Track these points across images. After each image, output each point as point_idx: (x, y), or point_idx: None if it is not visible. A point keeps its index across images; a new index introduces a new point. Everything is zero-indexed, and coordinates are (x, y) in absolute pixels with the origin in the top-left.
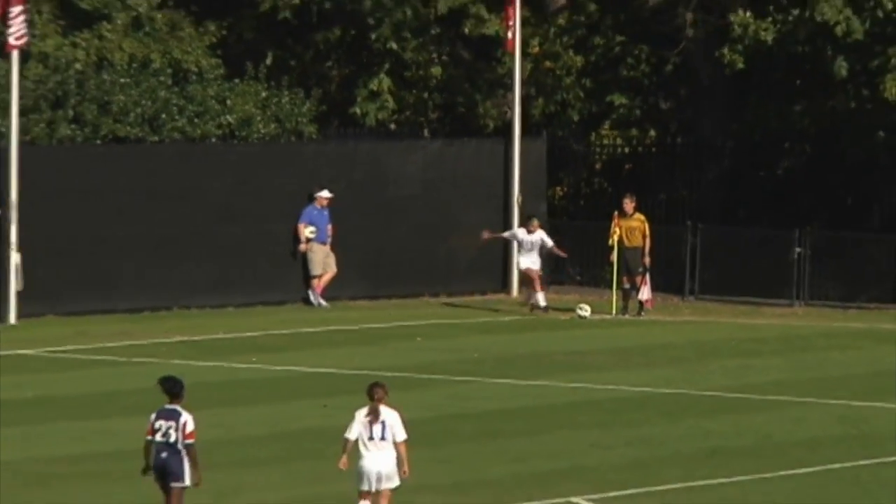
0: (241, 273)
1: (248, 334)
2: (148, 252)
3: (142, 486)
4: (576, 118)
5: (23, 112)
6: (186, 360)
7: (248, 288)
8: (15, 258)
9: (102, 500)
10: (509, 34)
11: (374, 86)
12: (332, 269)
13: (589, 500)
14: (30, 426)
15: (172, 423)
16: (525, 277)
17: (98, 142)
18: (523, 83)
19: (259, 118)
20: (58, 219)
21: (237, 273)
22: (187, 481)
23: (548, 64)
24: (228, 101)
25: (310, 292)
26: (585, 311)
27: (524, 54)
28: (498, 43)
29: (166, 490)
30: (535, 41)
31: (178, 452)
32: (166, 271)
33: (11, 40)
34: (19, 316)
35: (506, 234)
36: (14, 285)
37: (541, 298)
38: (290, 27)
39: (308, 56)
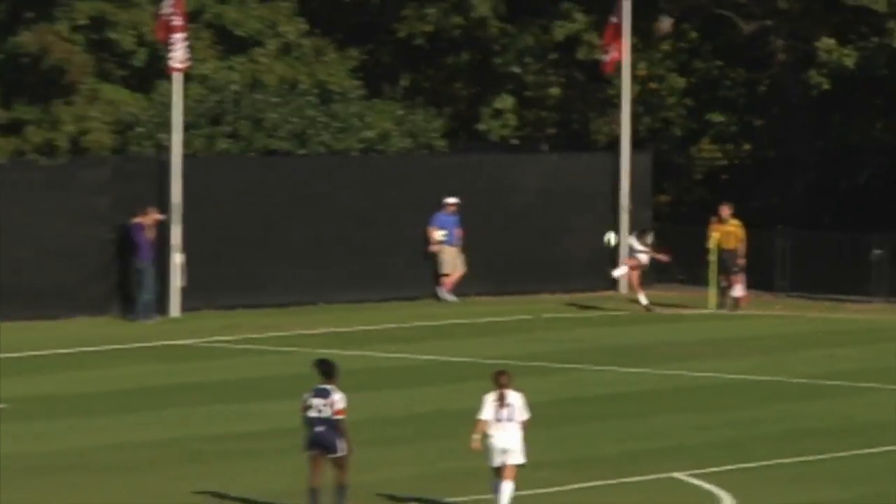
0: (379, 271)
1: (385, 326)
2: (295, 253)
3: (285, 462)
4: (678, 134)
5: (185, 128)
6: (329, 350)
7: (385, 285)
8: (179, 258)
9: (249, 475)
10: (605, 57)
11: (497, 105)
12: (460, 269)
13: (689, 475)
14: (189, 408)
15: (326, 401)
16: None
17: (252, 154)
18: (632, 102)
19: (395, 134)
20: (215, 223)
21: (375, 271)
22: (341, 451)
23: (653, 85)
24: (368, 119)
25: (440, 289)
26: (613, 237)
27: (632, 76)
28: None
29: (317, 461)
30: (643, 65)
31: (332, 426)
32: (311, 270)
33: (174, 63)
34: (181, 310)
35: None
36: (178, 282)
37: (642, 297)
38: (423, 52)
39: (439, 78)
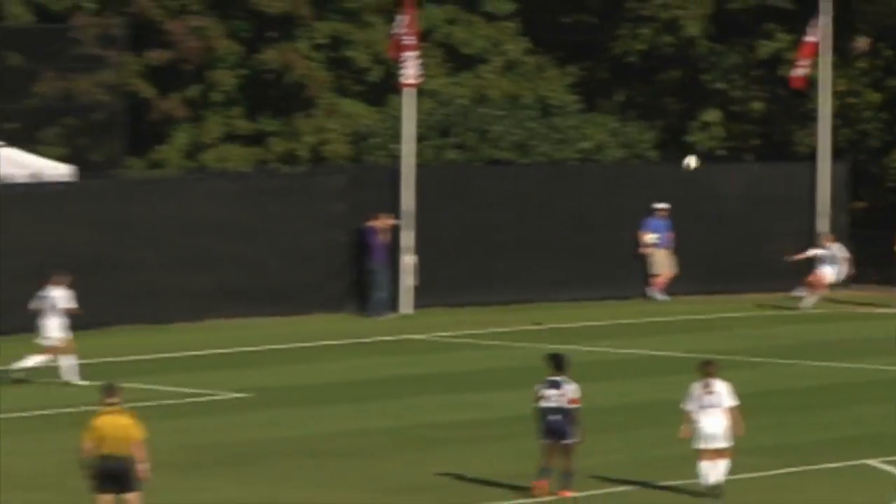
0: (595, 272)
1: (600, 323)
2: (517, 254)
3: (511, 447)
4: (874, 145)
5: (416, 139)
6: (547, 345)
7: (600, 284)
8: (411, 259)
9: (478, 460)
10: (794, 73)
11: (705, 118)
12: (670, 270)
13: (884, 461)
14: (419, 398)
15: (559, 391)
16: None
17: (478, 164)
18: (831, 116)
19: (610, 145)
20: (444, 227)
21: (591, 272)
22: (574, 438)
23: (851, 100)
24: (585, 131)
25: (651, 288)
26: (693, 161)
27: (832, 92)
28: (809, 83)
29: (551, 448)
30: (841, 81)
31: (566, 415)
32: (532, 270)
33: (406, 79)
34: (414, 307)
35: (809, 254)
36: (409, 281)
37: (808, 302)
38: (637, 69)
39: (651, 93)
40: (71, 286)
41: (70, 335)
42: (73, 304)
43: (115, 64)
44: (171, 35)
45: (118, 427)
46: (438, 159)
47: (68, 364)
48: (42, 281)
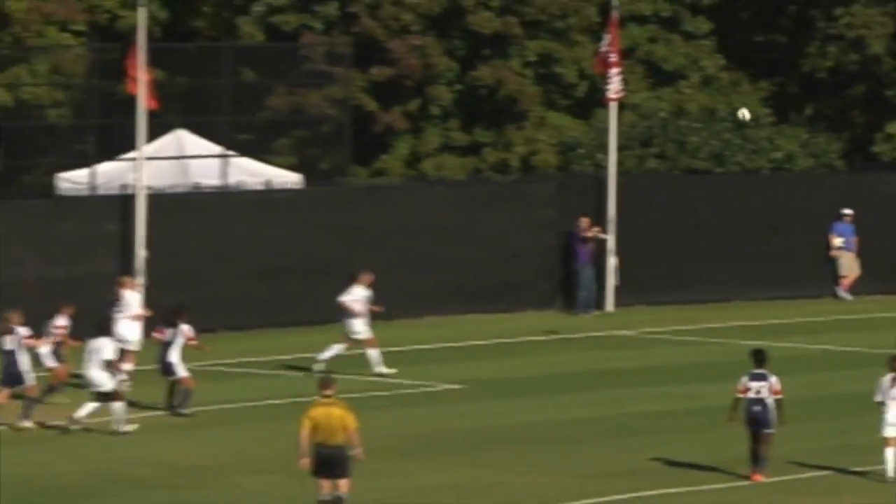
0: (785, 273)
1: (790, 320)
2: (713, 256)
3: (711, 435)
4: None
5: (619, 149)
6: (740, 341)
7: (790, 285)
8: (613, 261)
9: (683, 447)
10: None
11: (889, 130)
12: (856, 271)
13: None
14: (622, 389)
15: (763, 384)
16: None
17: (676, 172)
18: None
19: (800, 155)
20: (645, 231)
21: (782, 273)
22: (773, 427)
23: None
24: (777, 142)
25: (838, 289)
26: (745, 113)
27: None
28: None
29: (756, 437)
30: None
31: (767, 406)
32: (727, 271)
33: (611, 94)
34: (616, 305)
35: None
36: (612, 282)
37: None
38: (824, 84)
39: (838, 107)
40: (370, 286)
41: (370, 329)
42: (373, 303)
43: (341, 80)
44: (393, 53)
45: (332, 417)
46: (640, 168)
47: (374, 355)
48: (351, 279)
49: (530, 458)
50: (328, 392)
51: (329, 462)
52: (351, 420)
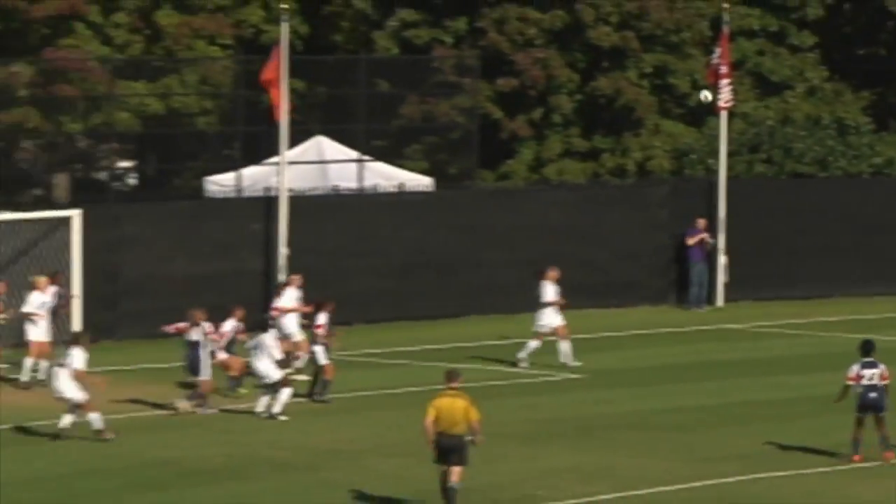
0: (886, 271)
1: (889, 315)
2: (818, 255)
3: (817, 423)
4: None
5: (729, 155)
6: (845, 334)
7: (890, 281)
8: (723, 259)
9: (787, 433)
10: None
11: None
12: None
13: None
14: (732, 379)
15: (875, 371)
16: None
17: (783, 177)
18: None
19: None
20: (753, 231)
21: (882, 271)
22: (887, 410)
23: None
24: (877, 148)
25: None
26: (707, 95)
27: None
28: None
29: (863, 421)
30: None
31: (882, 391)
32: (831, 269)
33: (721, 103)
34: (725, 301)
35: None
36: (723, 278)
37: None
38: None
39: None
40: (558, 281)
41: (564, 322)
42: (559, 297)
43: (469, 90)
44: (518, 65)
45: (455, 409)
46: (748, 173)
47: (566, 348)
48: (539, 276)
49: (645, 442)
50: (453, 384)
51: (449, 451)
52: (474, 412)
